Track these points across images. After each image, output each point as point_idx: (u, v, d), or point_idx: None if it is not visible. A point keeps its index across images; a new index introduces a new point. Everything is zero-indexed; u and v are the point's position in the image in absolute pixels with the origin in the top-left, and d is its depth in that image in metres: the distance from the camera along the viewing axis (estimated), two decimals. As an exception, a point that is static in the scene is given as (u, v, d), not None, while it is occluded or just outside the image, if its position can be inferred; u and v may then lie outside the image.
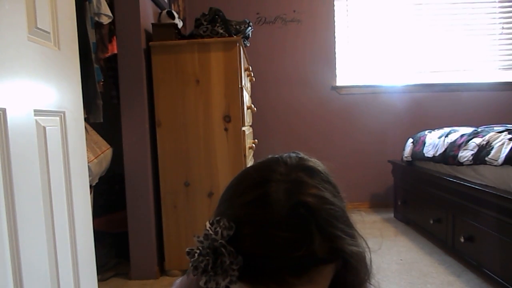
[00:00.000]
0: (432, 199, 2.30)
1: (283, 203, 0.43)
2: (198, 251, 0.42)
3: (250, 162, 2.16)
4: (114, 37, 1.96)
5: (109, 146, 1.95)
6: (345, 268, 0.46)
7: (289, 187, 0.45)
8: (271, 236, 0.41)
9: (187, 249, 0.43)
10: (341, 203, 0.48)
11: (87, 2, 1.72)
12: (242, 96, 1.97)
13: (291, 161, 0.50)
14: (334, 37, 3.29)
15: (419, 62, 3.32)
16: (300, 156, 0.52)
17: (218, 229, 0.42)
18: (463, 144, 2.01)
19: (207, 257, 0.41)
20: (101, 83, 1.87)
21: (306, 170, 0.48)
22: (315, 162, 0.52)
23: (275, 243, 0.41)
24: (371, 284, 0.54)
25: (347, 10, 3.31)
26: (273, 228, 0.41)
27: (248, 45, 2.32)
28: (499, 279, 1.62)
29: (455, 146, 2.09)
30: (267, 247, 0.41)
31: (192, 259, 0.42)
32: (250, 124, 2.60)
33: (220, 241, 0.41)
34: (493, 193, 1.65)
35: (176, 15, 2.17)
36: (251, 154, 2.31)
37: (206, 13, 2.02)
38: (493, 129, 1.95)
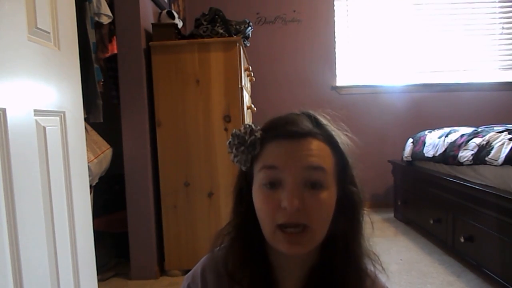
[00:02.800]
0: (432, 199, 2.30)
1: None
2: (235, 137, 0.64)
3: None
4: (114, 37, 1.96)
5: (109, 146, 1.95)
6: (343, 196, 0.62)
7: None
8: (289, 117, 0.66)
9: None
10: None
11: (87, 2, 1.72)
12: (242, 96, 1.97)
13: None
14: (334, 37, 3.29)
15: (419, 62, 3.32)
16: None
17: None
18: (463, 144, 2.01)
19: (243, 133, 0.64)
20: (101, 83, 1.87)
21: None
22: None
23: (291, 119, 0.65)
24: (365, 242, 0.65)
25: (347, 10, 3.31)
26: (289, 114, 0.67)
27: (248, 45, 2.32)
28: (499, 279, 1.62)
29: (455, 146, 2.09)
30: (286, 119, 0.65)
31: (230, 140, 0.64)
32: (250, 124, 2.59)
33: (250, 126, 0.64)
34: (493, 193, 1.65)
35: (176, 15, 2.17)
36: (251, 154, 2.30)
37: (206, 13, 2.02)
38: (493, 129, 1.95)
